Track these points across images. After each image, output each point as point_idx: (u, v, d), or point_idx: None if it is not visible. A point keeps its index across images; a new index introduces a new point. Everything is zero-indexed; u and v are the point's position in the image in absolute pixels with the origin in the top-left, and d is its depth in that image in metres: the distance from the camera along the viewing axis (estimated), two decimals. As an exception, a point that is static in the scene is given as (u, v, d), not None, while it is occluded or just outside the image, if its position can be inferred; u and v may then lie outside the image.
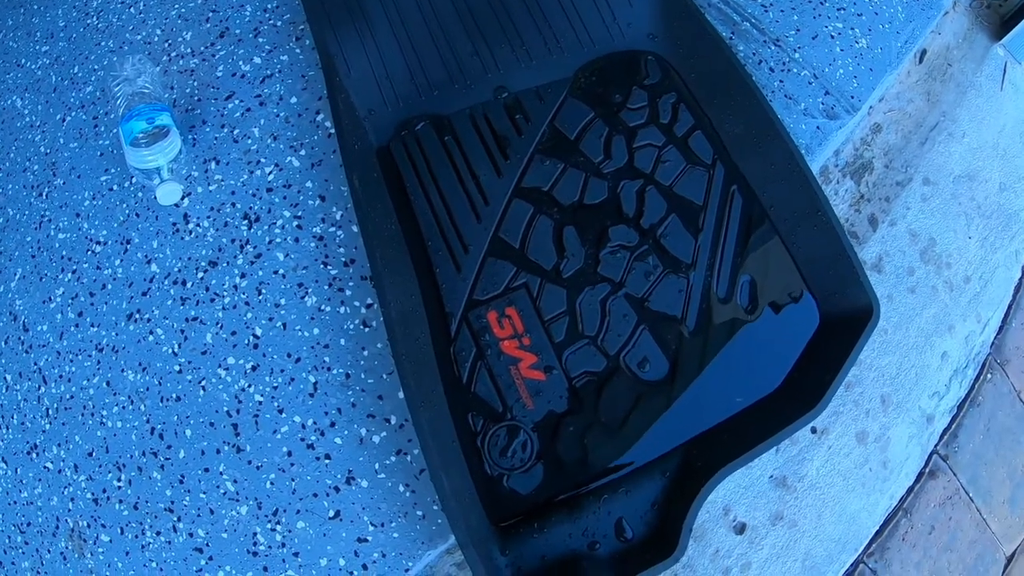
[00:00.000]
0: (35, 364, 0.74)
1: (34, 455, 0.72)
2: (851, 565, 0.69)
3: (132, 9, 0.84)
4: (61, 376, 0.71)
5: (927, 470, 0.74)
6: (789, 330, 0.61)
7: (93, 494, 0.67)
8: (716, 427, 0.59)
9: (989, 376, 0.78)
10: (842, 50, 0.74)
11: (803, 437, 0.68)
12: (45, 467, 0.70)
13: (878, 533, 0.71)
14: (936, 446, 0.75)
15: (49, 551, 0.69)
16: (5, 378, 0.76)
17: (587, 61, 0.66)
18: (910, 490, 0.73)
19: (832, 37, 0.74)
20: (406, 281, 0.56)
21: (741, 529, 0.66)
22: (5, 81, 0.90)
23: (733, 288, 0.61)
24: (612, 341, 0.58)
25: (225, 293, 0.66)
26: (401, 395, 0.59)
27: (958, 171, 0.80)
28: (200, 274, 0.68)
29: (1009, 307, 0.80)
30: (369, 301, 0.62)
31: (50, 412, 0.71)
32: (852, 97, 0.71)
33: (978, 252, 0.79)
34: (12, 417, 0.75)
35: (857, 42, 0.75)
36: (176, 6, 0.81)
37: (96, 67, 0.83)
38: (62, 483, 0.69)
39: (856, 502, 0.70)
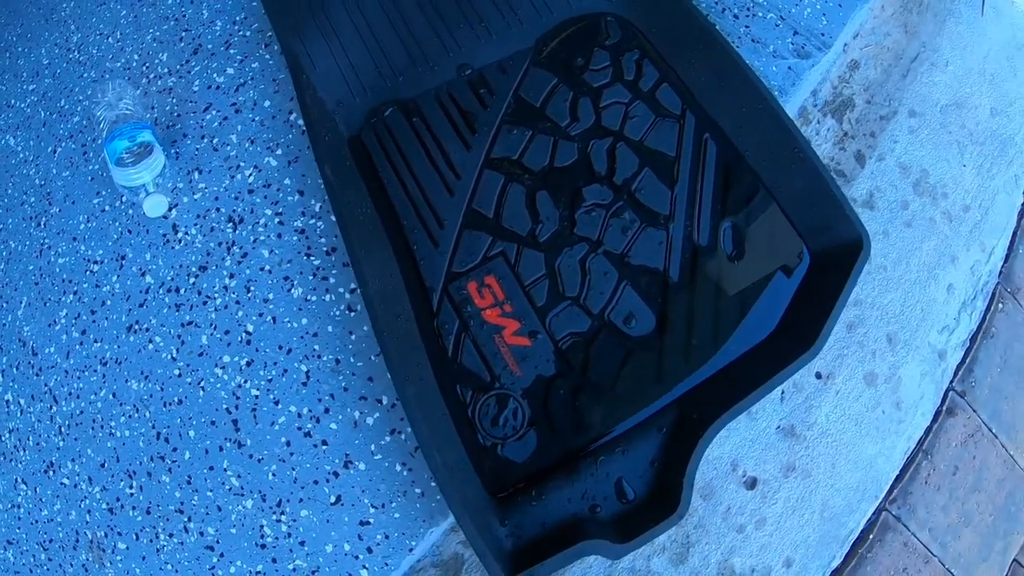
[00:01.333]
0: (45, 385, 0.78)
1: (51, 473, 0.75)
2: (873, 513, 0.68)
3: (110, 39, 0.88)
4: (70, 393, 0.75)
5: (944, 408, 0.72)
6: (778, 272, 0.60)
7: (108, 504, 0.70)
8: (710, 378, 0.59)
9: (1000, 306, 0.76)
10: None
11: (808, 383, 0.67)
12: (62, 483, 0.74)
13: (899, 478, 0.70)
14: (952, 382, 0.73)
15: (72, 564, 0.72)
16: (19, 403, 0.80)
17: (546, 29, 0.66)
18: (928, 430, 0.71)
19: None
20: (384, 260, 0.58)
21: (752, 484, 0.65)
22: None
23: (715, 235, 0.61)
24: (595, 300, 0.59)
25: (216, 295, 0.69)
26: (390, 376, 0.60)
27: (945, 100, 0.79)
28: (192, 279, 0.71)
29: (1014, 233, 0.78)
30: (352, 286, 0.64)
31: (62, 429, 0.75)
32: (822, 35, 0.71)
33: (975, 180, 0.77)
34: (28, 439, 0.79)
35: None
36: (151, 31, 0.85)
37: (81, 98, 0.88)
38: (78, 497, 0.72)
39: (872, 447, 0.68)
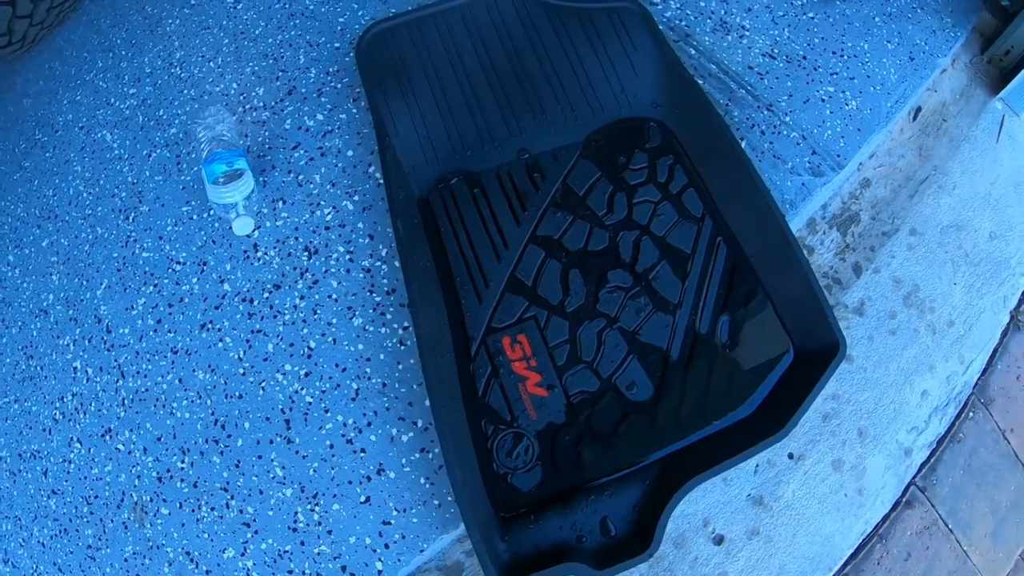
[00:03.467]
0: (115, 361, 1.00)
1: (107, 438, 0.97)
2: (823, 583, 0.86)
3: (211, 63, 1.11)
4: (138, 372, 0.98)
5: (904, 499, 0.90)
6: (765, 364, 0.79)
7: (158, 473, 0.91)
8: (693, 444, 0.78)
9: (972, 414, 0.94)
10: (831, 112, 0.93)
11: (780, 461, 0.86)
12: (116, 448, 0.96)
13: (853, 556, 0.88)
14: (914, 478, 0.91)
15: (112, 521, 0.92)
16: (87, 371, 1.02)
17: (598, 127, 0.87)
18: (886, 517, 0.89)
19: (823, 101, 0.94)
20: (436, 308, 0.78)
21: (719, 540, 0.84)
22: (96, 116, 1.18)
23: (715, 326, 0.80)
24: (605, 366, 0.78)
25: (286, 311, 0.90)
26: (427, 403, 0.80)
27: (946, 221, 0.97)
28: (265, 294, 0.92)
29: (995, 350, 0.96)
30: (406, 324, 0.84)
31: (125, 402, 0.98)
32: (838, 156, 0.90)
33: (963, 297, 0.95)
34: (90, 405, 1.00)
35: (847, 104, 0.94)
36: (251, 64, 1.07)
37: (179, 112, 1.10)
38: (131, 463, 0.93)
39: (831, 524, 0.87)
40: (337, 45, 1.03)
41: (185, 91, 1.10)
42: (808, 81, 0.96)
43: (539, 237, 0.83)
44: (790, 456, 0.86)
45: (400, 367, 0.84)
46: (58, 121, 1.21)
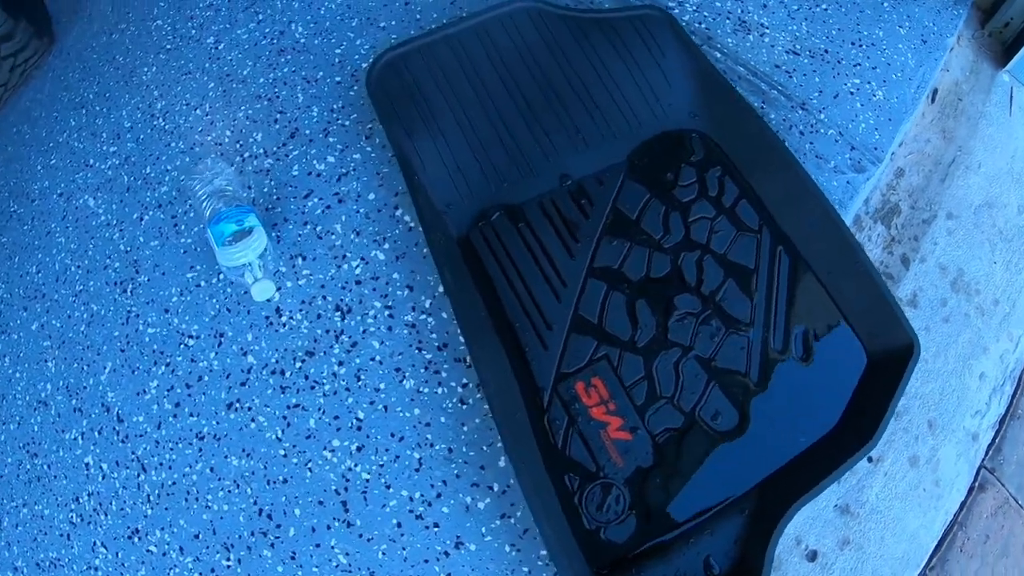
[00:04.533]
0: (133, 453, 0.83)
1: (135, 539, 0.80)
2: (917, 583, 0.79)
3: (198, 111, 0.95)
4: (161, 464, 0.81)
5: (976, 484, 0.84)
6: (841, 373, 0.71)
7: (200, 573, 0.76)
8: (785, 466, 0.69)
9: (1026, 391, 0.88)
10: (861, 105, 0.85)
11: (861, 467, 0.78)
12: (148, 550, 0.79)
13: (937, 547, 0.81)
14: (983, 461, 0.85)
15: None
16: (101, 467, 0.85)
17: (638, 144, 0.77)
18: (963, 504, 0.83)
19: (851, 94, 0.86)
20: (499, 362, 0.67)
21: (813, 556, 0.76)
22: (75, 181, 1.00)
23: (788, 340, 0.71)
24: (687, 399, 0.69)
25: (324, 380, 0.76)
26: (502, 463, 0.69)
27: (978, 201, 0.91)
28: (298, 364, 0.78)
29: (1038, 325, 0.90)
30: (465, 381, 0.72)
31: (151, 498, 0.81)
32: (875, 148, 0.82)
33: (1004, 275, 0.90)
34: (111, 504, 0.84)
35: (875, 95, 0.86)
36: (243, 108, 0.92)
37: (168, 167, 0.94)
38: (167, 565, 0.78)
39: (914, 521, 0.80)
40: (338, 79, 0.89)
41: (172, 144, 0.94)
42: (834, 75, 0.88)
43: (597, 269, 0.72)
44: (869, 460, 0.79)
45: (465, 429, 0.71)
46: (33, 189, 1.02)
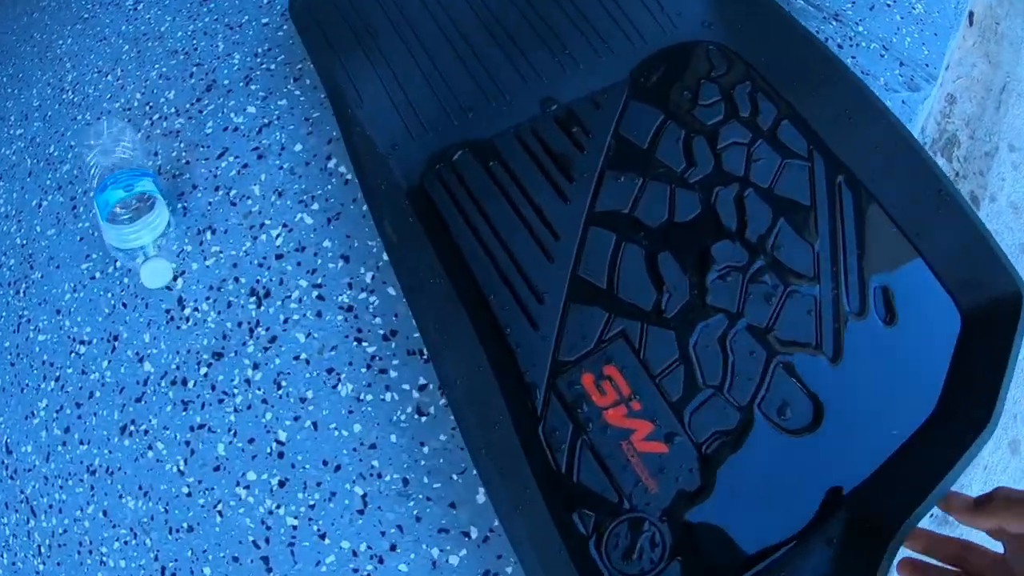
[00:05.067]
0: (21, 492, 0.53)
1: None
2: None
3: (109, 77, 0.66)
4: (51, 507, 0.51)
5: None
6: (931, 338, 0.42)
7: None
8: (878, 471, 0.39)
9: None
10: (902, 18, 0.58)
11: (996, 457, 0.48)
12: None
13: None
14: None
15: None
16: None
17: (641, 60, 0.48)
18: None
19: (888, 5, 0.59)
20: (470, 351, 0.37)
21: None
22: None
23: (864, 299, 0.42)
24: (742, 387, 0.39)
25: (236, 391, 0.47)
26: (480, 499, 0.39)
27: None
28: (203, 369, 0.48)
29: None
30: (422, 381, 0.43)
31: (42, 550, 0.51)
32: (926, 65, 0.55)
33: (1083, 216, 0.62)
34: (2, 556, 0.53)
35: (913, 8, 0.59)
36: (156, 66, 0.63)
37: (73, 143, 0.65)
38: None
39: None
40: (265, 20, 0.60)
41: (79, 116, 0.65)
42: None
43: (601, 215, 0.42)
44: (1011, 447, 0.49)
45: (426, 450, 0.41)
46: None
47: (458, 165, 0.44)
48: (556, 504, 0.37)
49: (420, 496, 0.40)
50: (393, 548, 0.40)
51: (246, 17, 0.61)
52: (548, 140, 0.45)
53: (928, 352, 0.42)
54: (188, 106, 0.58)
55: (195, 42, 0.62)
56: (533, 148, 0.44)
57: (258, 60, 0.57)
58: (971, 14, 0.64)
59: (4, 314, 0.59)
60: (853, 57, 0.54)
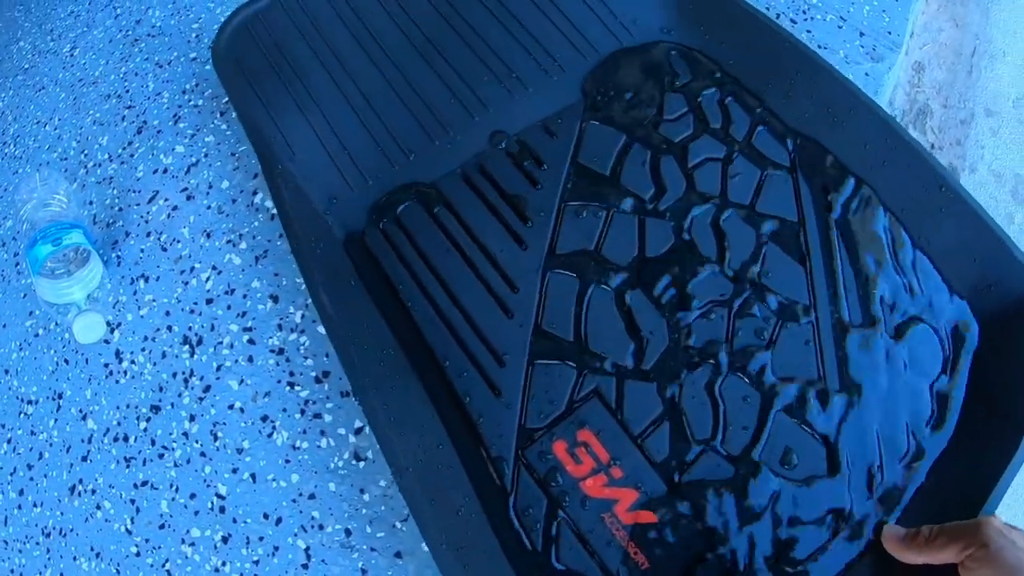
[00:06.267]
0: None
1: None
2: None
3: (47, 127, 0.56)
4: (12, 571, 0.43)
5: None
6: (949, 347, 0.31)
7: None
8: (906, 509, 0.28)
9: None
10: None
11: None
12: None
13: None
14: None
15: None
16: None
17: (594, 73, 0.35)
18: None
19: None
20: (424, 427, 0.27)
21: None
22: None
23: (869, 316, 0.31)
24: (736, 438, 0.30)
25: (174, 444, 0.39)
26: (427, 548, 0.28)
27: (1014, 92, 0.55)
28: (143, 424, 0.42)
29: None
30: (358, 424, 0.37)
31: None
32: (889, 33, 0.46)
33: (1072, 178, 0.51)
34: None
35: None
36: (91, 112, 0.54)
37: (16, 198, 0.51)
38: None
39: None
40: (193, 55, 0.50)
41: (19, 170, 0.55)
42: None
43: (562, 257, 0.32)
44: None
45: (366, 497, 0.34)
46: None
47: (403, 217, 0.33)
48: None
49: (364, 547, 0.34)
50: (341, 602, 0.29)
51: (175, 53, 0.50)
52: (499, 178, 0.35)
53: (949, 366, 0.31)
54: (120, 151, 0.47)
55: (127, 83, 0.50)
56: (482, 188, 0.34)
57: (186, 97, 0.46)
58: (935, -25, 0.52)
59: (-44, 379, 0.46)
60: (809, 31, 0.44)
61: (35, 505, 0.45)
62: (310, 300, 0.38)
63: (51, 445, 0.43)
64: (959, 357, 0.33)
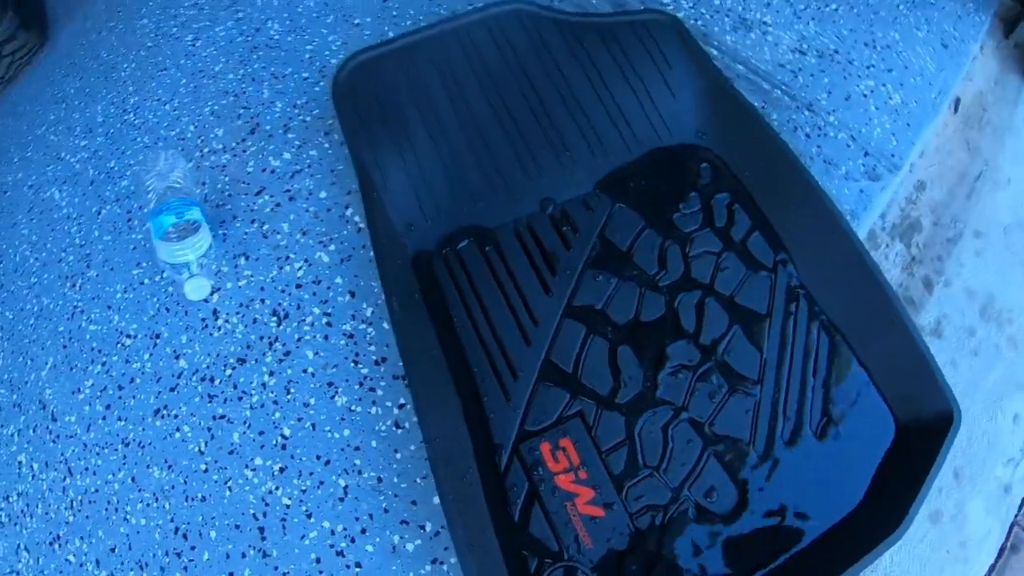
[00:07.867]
0: (62, 455, 0.64)
1: (56, 546, 0.62)
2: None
3: (167, 106, 0.75)
4: (87, 469, 0.62)
5: (1008, 544, 0.59)
6: (864, 444, 0.48)
7: None
8: (793, 557, 0.44)
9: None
10: (877, 108, 0.63)
11: None
12: (67, 559, 0.61)
13: (966, 625, 0.56)
14: (1016, 517, 0.61)
15: None
16: (32, 467, 0.69)
17: (634, 164, 0.52)
18: (992, 568, 0.58)
19: (865, 96, 0.64)
20: (451, 413, 0.45)
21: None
22: (45, 173, 0.82)
23: (803, 403, 0.47)
24: (676, 471, 0.46)
25: (253, 391, 0.58)
26: (437, 501, 0.51)
27: (1008, 219, 0.70)
28: (228, 371, 0.60)
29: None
30: (402, 401, 0.55)
31: (74, 504, 0.62)
32: (892, 155, 0.62)
33: (1041, 305, 0.64)
34: (37, 507, 0.65)
35: (891, 98, 0.64)
36: (209, 103, 0.72)
37: (132, 162, 0.76)
38: None
39: (939, 594, 0.55)
40: (306, 75, 0.69)
41: (138, 138, 0.74)
42: (845, 76, 0.66)
43: (577, 308, 0.50)
44: (931, 517, 0.54)
45: (398, 456, 0.52)
46: (7, 181, 0.86)
47: (463, 252, 0.51)
48: (507, 546, 0.43)
49: (389, 492, 0.52)
50: (363, 532, 0.52)
51: (289, 69, 0.68)
52: (541, 237, 0.52)
53: (859, 457, 0.49)
54: (234, 144, 0.65)
55: (244, 86, 0.69)
56: (527, 242, 0.52)
57: (296, 111, 0.64)
58: (957, 100, 0.66)
59: (61, 303, 0.69)
60: (818, 147, 0.59)
61: (119, 419, 0.63)
62: (381, 300, 0.56)
63: (143, 374, 0.63)
64: (872, 453, 0.48)
